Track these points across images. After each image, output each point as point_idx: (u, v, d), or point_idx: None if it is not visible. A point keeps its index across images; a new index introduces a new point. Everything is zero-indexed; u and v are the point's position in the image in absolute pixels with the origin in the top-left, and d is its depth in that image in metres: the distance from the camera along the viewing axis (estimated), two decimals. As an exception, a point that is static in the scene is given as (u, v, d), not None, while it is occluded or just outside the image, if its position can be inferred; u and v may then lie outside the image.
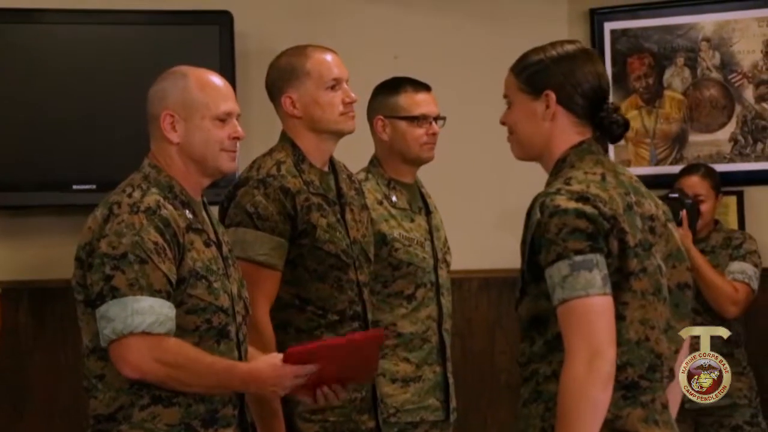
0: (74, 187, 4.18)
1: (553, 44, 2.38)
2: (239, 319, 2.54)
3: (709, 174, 4.22)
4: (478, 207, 4.52)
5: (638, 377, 2.23)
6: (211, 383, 2.41)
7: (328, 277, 2.93)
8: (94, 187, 4.18)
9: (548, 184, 2.33)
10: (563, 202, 2.19)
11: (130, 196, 2.42)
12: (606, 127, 2.34)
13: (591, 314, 2.14)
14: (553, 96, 2.32)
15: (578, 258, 2.15)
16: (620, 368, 2.18)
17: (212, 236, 2.54)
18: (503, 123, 2.40)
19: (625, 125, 2.35)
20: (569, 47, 2.36)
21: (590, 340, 2.12)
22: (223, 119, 2.51)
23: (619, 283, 2.20)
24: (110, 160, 4.20)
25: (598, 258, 2.16)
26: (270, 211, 2.85)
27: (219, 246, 2.55)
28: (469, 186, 4.54)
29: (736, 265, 4.13)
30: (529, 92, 2.34)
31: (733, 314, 4.08)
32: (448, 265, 3.50)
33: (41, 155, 4.17)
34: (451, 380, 3.43)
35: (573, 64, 2.33)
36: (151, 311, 2.33)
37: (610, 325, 2.15)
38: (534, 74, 2.34)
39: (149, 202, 2.41)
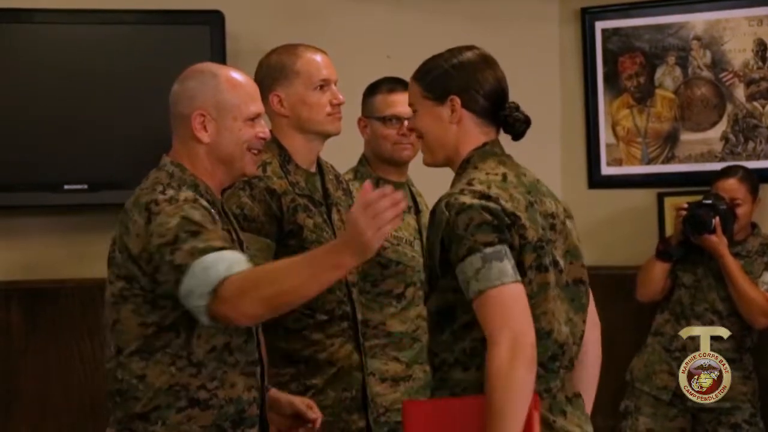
0: (65, 187, 4.18)
1: (451, 50, 2.48)
2: None
3: (747, 177, 4.17)
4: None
5: (539, 365, 2.30)
6: (305, 274, 2.27)
7: None
8: (85, 187, 4.19)
9: (452, 184, 2.44)
10: (467, 199, 2.31)
11: (163, 193, 2.42)
12: (509, 125, 2.47)
13: (508, 301, 2.25)
14: (458, 100, 2.43)
15: (488, 250, 2.26)
16: None
17: (234, 236, 2.55)
18: (411, 129, 2.52)
19: (527, 122, 2.47)
20: (468, 54, 2.47)
21: (510, 326, 2.23)
22: (253, 119, 2.53)
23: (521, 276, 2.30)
24: (102, 160, 4.21)
25: (506, 249, 2.28)
26: (256, 212, 2.85)
27: (241, 245, 2.57)
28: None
29: None
30: (433, 98, 2.45)
31: (762, 325, 4.06)
32: (437, 264, 3.51)
33: (32, 155, 4.16)
34: (441, 379, 3.43)
35: (473, 68, 2.45)
36: (220, 259, 2.28)
37: (526, 310, 2.27)
38: (436, 81, 2.45)
39: (186, 196, 2.41)
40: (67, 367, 4.20)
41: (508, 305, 2.24)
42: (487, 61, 2.47)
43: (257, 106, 2.55)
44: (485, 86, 2.44)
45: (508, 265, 2.25)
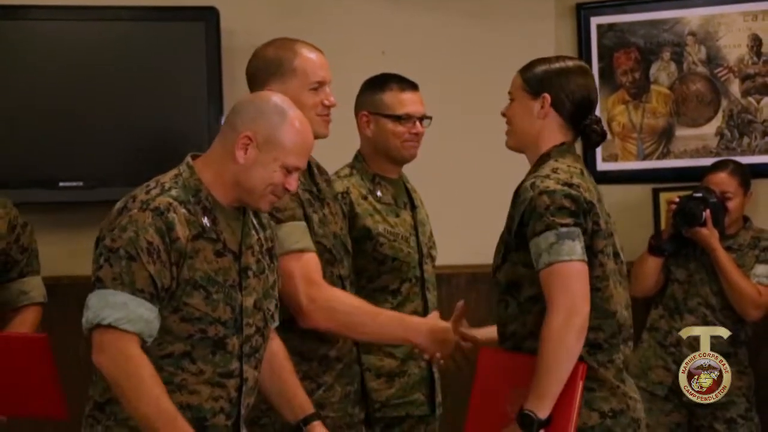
0: (61, 184, 4.18)
1: (558, 57, 2.82)
2: (250, 330, 2.52)
3: (738, 171, 4.18)
4: (466, 202, 4.53)
5: (603, 340, 2.65)
6: (149, 410, 2.34)
7: (323, 272, 2.91)
8: (80, 184, 4.19)
9: (531, 173, 2.73)
10: (552, 184, 2.60)
11: (147, 192, 2.44)
12: (587, 134, 2.78)
13: (572, 276, 2.53)
14: (548, 98, 2.73)
15: (563, 229, 2.55)
16: (590, 329, 2.57)
17: (231, 246, 2.50)
18: (504, 114, 2.81)
19: (602, 135, 2.78)
20: (570, 62, 2.80)
21: (569, 298, 2.52)
22: (290, 171, 2.52)
23: (590, 259, 2.59)
24: (97, 157, 4.21)
25: (579, 232, 2.57)
26: (285, 199, 2.80)
27: (237, 257, 2.52)
28: (456, 182, 4.54)
29: (761, 268, 4.11)
30: (530, 92, 2.76)
31: (754, 317, 4.08)
32: (433, 260, 3.51)
33: (27, 152, 4.17)
34: (436, 375, 3.43)
35: (570, 74, 2.76)
36: (124, 307, 2.34)
37: (585, 286, 2.55)
38: (536, 77, 2.76)
39: (160, 202, 2.40)
40: (64, 364, 4.18)
41: (571, 279, 2.52)
42: (584, 73, 2.78)
43: (303, 162, 2.54)
44: (575, 92, 2.73)
45: (578, 246, 2.54)
